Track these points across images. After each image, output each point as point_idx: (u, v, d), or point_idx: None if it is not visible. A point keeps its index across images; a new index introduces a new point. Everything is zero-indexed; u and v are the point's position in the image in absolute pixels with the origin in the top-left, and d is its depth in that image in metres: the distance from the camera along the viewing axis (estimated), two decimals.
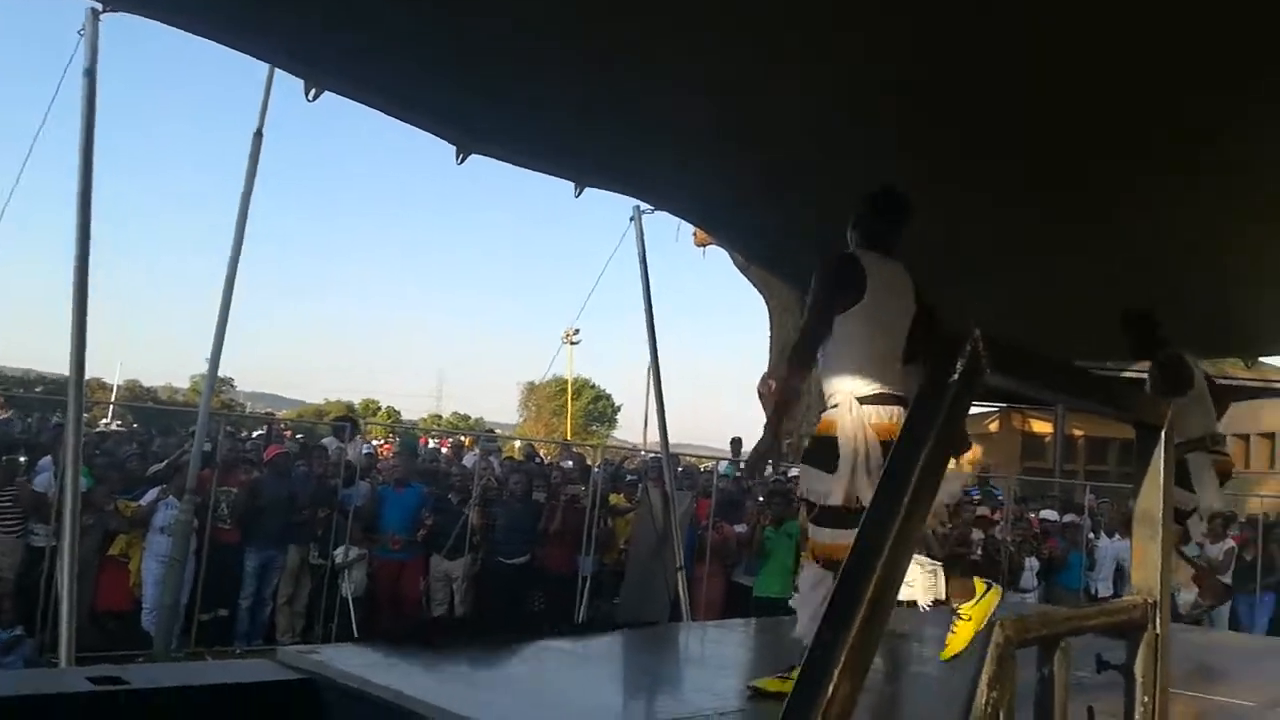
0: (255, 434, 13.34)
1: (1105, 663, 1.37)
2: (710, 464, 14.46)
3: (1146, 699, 1.35)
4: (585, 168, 5.22)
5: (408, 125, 4.64)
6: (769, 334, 16.66)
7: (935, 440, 1.00)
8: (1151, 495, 1.41)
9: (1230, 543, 10.15)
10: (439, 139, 4.72)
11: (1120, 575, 10.09)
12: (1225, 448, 4.74)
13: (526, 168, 5.37)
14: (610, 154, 4.97)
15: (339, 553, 8.48)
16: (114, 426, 14.09)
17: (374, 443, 14.67)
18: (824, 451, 3.01)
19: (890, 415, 2.92)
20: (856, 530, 2.83)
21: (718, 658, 3.84)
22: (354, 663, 3.13)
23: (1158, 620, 1.38)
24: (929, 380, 1.04)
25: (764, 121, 4.10)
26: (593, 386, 50.53)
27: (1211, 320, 5.63)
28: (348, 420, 11.49)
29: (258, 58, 4.66)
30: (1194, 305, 5.23)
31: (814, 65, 3.55)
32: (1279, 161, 3.74)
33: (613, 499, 9.69)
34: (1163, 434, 1.41)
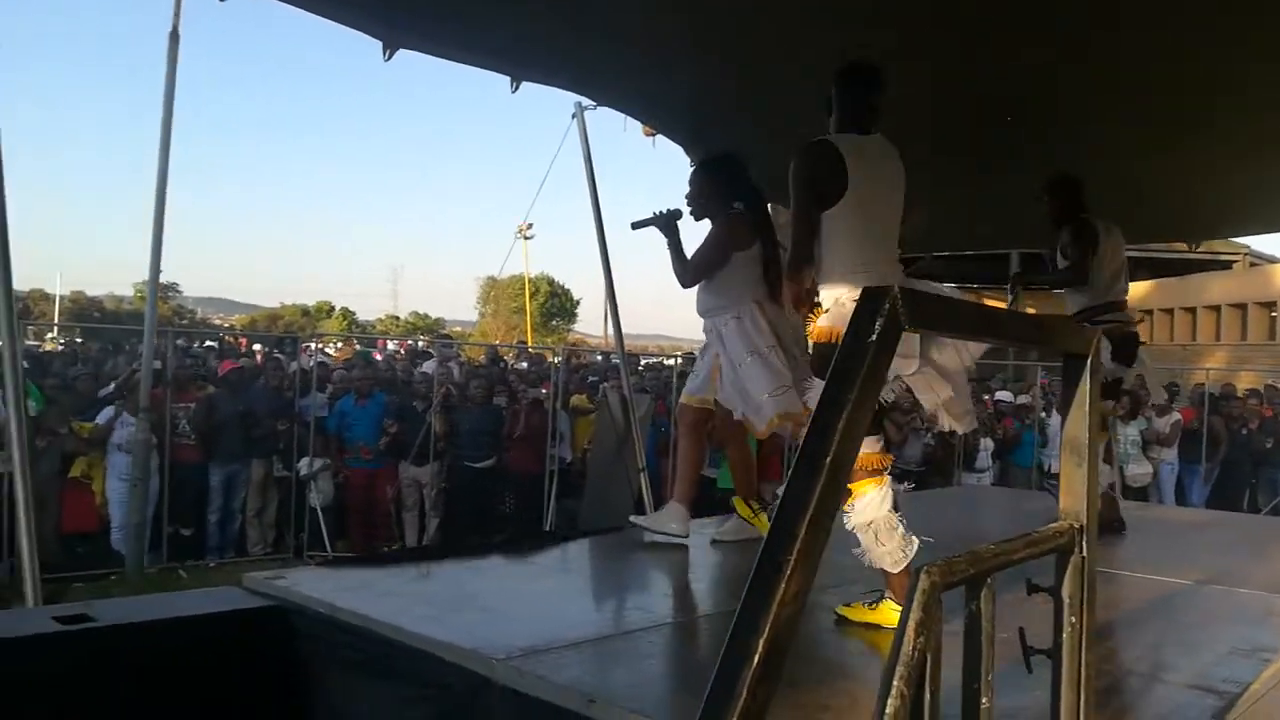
0: (206, 344, 13.16)
1: (1035, 585, 1.42)
2: (675, 358, 14.55)
3: (1074, 619, 1.41)
4: (520, 62, 5.03)
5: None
6: None
7: (856, 401, 1.01)
8: (1078, 423, 1.44)
9: (1176, 415, 10.50)
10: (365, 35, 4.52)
11: None
12: (1118, 314, 4.82)
13: (458, 62, 5.16)
14: (546, 48, 4.80)
15: (302, 464, 8.51)
16: (59, 346, 13.81)
17: (330, 350, 14.54)
18: (826, 361, 2.94)
19: None
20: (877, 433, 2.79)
21: (678, 560, 3.93)
22: (321, 587, 3.16)
23: (1084, 544, 1.43)
24: (849, 340, 1.04)
25: (706, 13, 3.97)
26: (551, 282, 50.29)
27: (1156, 206, 5.72)
28: (290, 337, 11.40)
29: None
30: (1142, 193, 5.30)
31: None
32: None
33: (574, 400, 9.77)
34: (1088, 363, 1.43)
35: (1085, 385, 1.43)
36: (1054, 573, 1.45)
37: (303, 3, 4.25)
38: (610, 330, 7.88)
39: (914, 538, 2.83)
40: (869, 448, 2.81)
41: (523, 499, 8.94)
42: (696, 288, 4.05)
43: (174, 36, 7.03)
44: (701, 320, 4.07)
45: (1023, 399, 11.39)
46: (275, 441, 8.56)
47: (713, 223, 4.06)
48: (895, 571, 2.83)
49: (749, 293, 3.90)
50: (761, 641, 0.91)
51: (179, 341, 10.43)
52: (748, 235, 3.97)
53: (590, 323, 50.01)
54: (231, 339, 15.52)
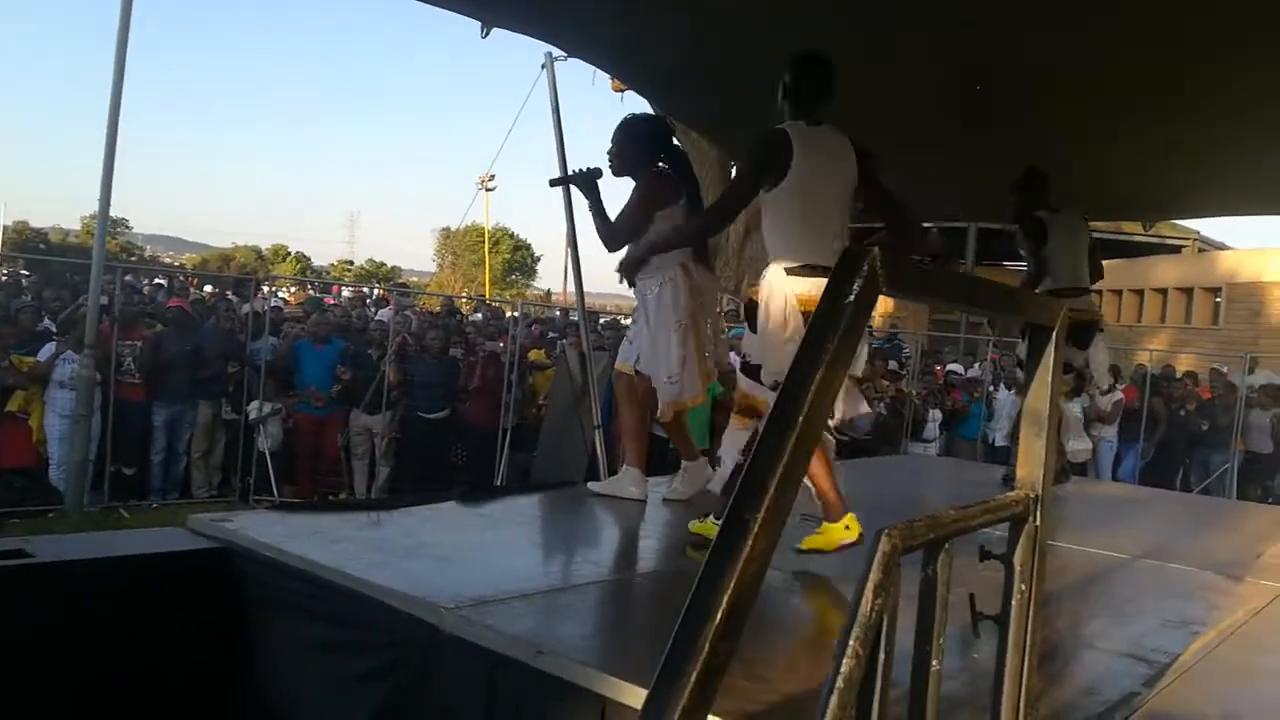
0: (155, 281, 12.85)
1: (988, 553, 1.44)
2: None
3: (1024, 587, 1.43)
4: (492, 5, 4.93)
5: None
6: None
7: (831, 360, 1.00)
8: (1040, 394, 1.46)
9: (1119, 394, 10.75)
10: None
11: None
12: (1076, 300, 5.01)
13: (428, 3, 5.04)
14: None
15: (251, 408, 8.38)
16: (2, 276, 13.39)
17: (282, 294, 14.28)
18: (749, 315, 3.25)
19: (813, 287, 3.00)
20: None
21: (629, 516, 3.95)
22: (269, 531, 3.12)
23: (1038, 514, 1.45)
24: (827, 298, 1.04)
25: None
26: (512, 236, 49.81)
27: (1110, 188, 5.85)
28: (246, 277, 11.21)
29: None
30: (1098, 176, 5.40)
31: None
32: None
33: (532, 355, 9.72)
34: (1054, 335, 1.44)
35: (1049, 357, 1.45)
36: (1006, 541, 1.47)
37: None
38: (571, 288, 7.84)
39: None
40: None
41: (475, 452, 8.91)
42: (623, 250, 3.97)
43: None
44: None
45: (973, 372, 11.58)
46: (224, 384, 8.41)
47: (635, 182, 3.97)
48: (830, 495, 3.13)
49: (674, 255, 3.82)
50: (725, 598, 0.91)
51: (127, 278, 10.15)
52: (670, 193, 3.89)
53: (550, 279, 49.79)
54: (183, 279, 15.17)
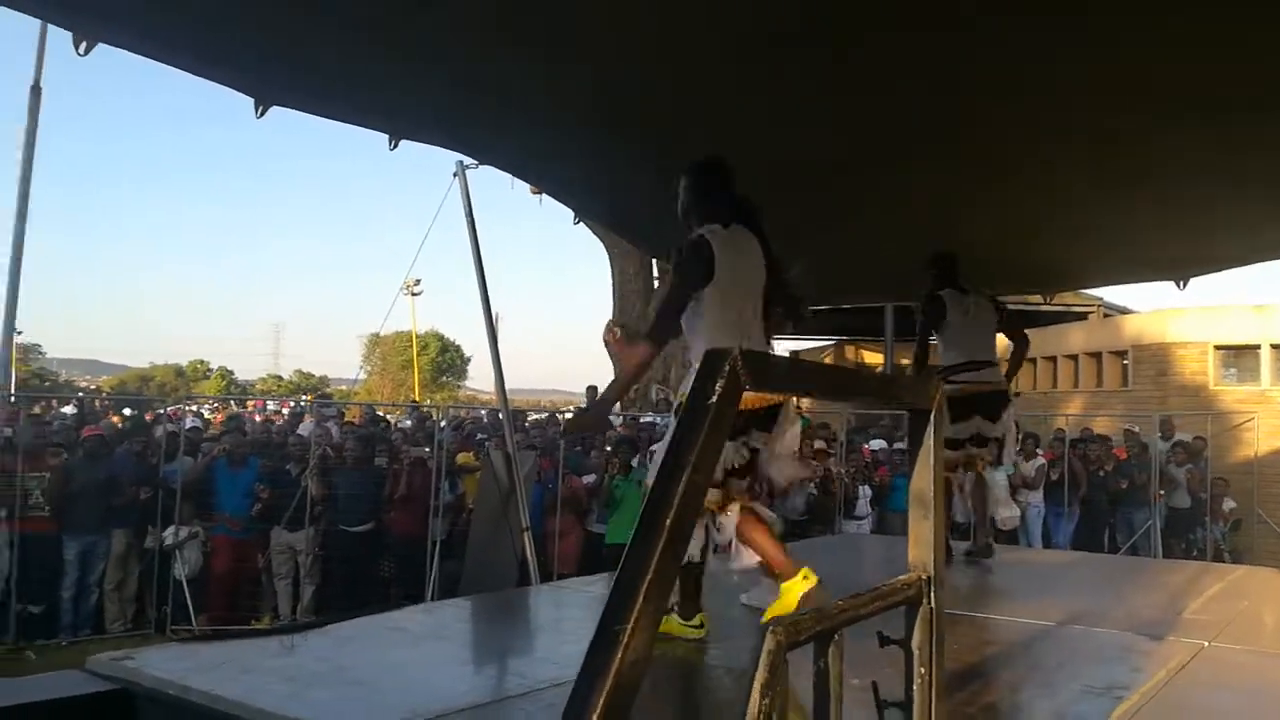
0: (66, 409, 12.39)
1: (886, 638, 1.44)
2: (566, 411, 14.42)
3: (924, 671, 1.43)
4: (400, 121, 4.99)
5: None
6: (610, 278, 16.73)
7: (695, 464, 1.01)
8: (923, 475, 1.49)
9: (1041, 459, 11.01)
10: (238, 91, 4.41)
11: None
12: (965, 376, 5.14)
13: (334, 119, 5.08)
14: (428, 108, 4.77)
15: (168, 533, 8.07)
16: None
17: (205, 413, 13.90)
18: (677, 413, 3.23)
19: None
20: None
21: (559, 622, 3.87)
22: (172, 667, 2.97)
23: (933, 595, 1.46)
24: (691, 399, 1.05)
25: (587, 80, 4.02)
26: (440, 338, 49.64)
27: (1010, 263, 6.09)
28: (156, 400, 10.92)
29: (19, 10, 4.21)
30: (998, 252, 5.63)
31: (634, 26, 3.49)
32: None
33: (461, 458, 9.58)
34: (931, 417, 1.47)
35: (929, 439, 1.48)
36: (903, 625, 1.47)
37: (169, 59, 4.13)
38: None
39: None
40: (734, 488, 3.26)
41: (404, 564, 8.66)
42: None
43: (35, 90, 6.75)
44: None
45: (898, 445, 11.74)
46: (138, 510, 8.10)
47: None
48: (776, 559, 3.23)
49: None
50: (596, 713, 0.89)
51: (35, 411, 9.77)
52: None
53: (482, 379, 49.51)
54: (98, 404, 14.68)
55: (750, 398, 2.98)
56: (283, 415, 14.88)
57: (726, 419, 1.05)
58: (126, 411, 13.80)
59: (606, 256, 16.61)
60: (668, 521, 0.98)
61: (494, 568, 6.46)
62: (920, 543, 1.48)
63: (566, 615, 3.94)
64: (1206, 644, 3.47)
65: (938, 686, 1.44)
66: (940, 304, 5.26)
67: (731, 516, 3.23)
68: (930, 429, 1.49)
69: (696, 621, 3.39)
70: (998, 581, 4.85)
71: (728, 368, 1.06)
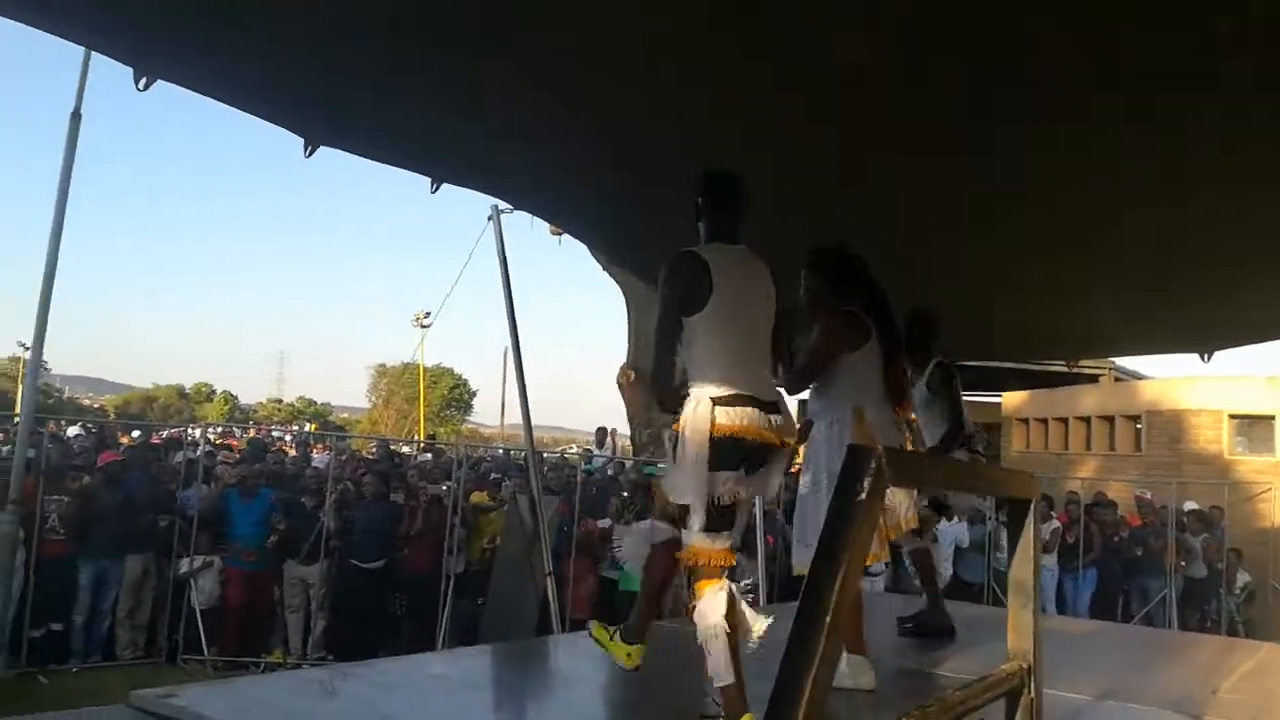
0: (73, 431, 12.41)
1: None
2: (574, 453, 14.42)
3: None
4: (442, 165, 5.09)
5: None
6: (627, 322, 16.80)
7: (850, 560, 1.04)
8: (1023, 565, 1.51)
9: (1056, 523, 10.95)
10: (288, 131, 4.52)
11: (958, 555, 10.68)
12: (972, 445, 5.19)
13: (380, 162, 5.20)
14: (467, 153, 4.87)
15: (184, 563, 8.06)
16: None
17: (211, 435, 13.86)
18: (671, 447, 2.95)
19: (741, 417, 2.81)
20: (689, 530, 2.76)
21: (584, 674, 3.85)
22: (216, 705, 2.98)
23: (1033, 684, 1.48)
24: (840, 499, 1.08)
25: (613, 125, 4.07)
26: (452, 373, 49.77)
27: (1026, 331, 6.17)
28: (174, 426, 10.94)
29: (82, 44, 4.33)
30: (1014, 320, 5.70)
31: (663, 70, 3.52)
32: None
33: (475, 497, 9.58)
34: (1031, 507, 1.50)
35: (1029, 530, 1.50)
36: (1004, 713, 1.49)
37: (226, 99, 4.25)
38: (506, 421, 7.82)
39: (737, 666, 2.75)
40: (719, 543, 2.83)
41: (416, 602, 8.61)
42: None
43: (75, 116, 6.85)
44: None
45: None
46: (154, 537, 8.10)
47: (819, 320, 3.86)
48: (720, 685, 2.75)
49: (847, 395, 3.65)
50: None
51: (54, 429, 9.82)
52: (856, 336, 3.80)
53: (487, 414, 49.52)
54: (112, 428, 14.70)
55: (750, 429, 2.80)
56: (286, 441, 14.88)
57: (875, 515, 1.09)
58: (135, 434, 13.84)
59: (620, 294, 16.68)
60: (827, 619, 1.01)
61: (516, 610, 6.44)
62: (1020, 631, 1.50)
63: (584, 667, 3.87)
64: None
65: None
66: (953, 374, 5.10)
67: (710, 602, 2.77)
68: (1030, 519, 1.52)
69: (636, 653, 3.18)
70: None
71: (874, 465, 1.09)
